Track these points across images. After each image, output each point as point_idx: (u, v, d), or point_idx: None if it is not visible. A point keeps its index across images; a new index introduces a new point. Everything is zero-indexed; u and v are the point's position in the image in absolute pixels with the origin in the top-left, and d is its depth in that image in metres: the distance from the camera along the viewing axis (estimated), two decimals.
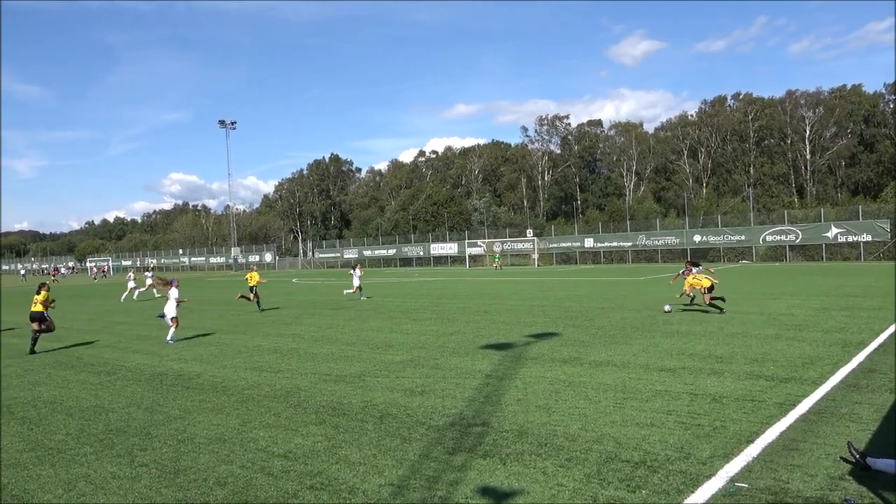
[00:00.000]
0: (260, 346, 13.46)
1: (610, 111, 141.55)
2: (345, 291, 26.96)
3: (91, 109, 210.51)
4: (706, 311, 16.22)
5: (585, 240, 59.77)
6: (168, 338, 14.55)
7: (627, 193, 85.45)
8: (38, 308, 14.15)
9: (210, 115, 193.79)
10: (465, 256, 65.34)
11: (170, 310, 14.52)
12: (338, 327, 16.18)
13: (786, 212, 51.78)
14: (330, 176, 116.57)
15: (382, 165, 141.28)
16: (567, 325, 14.78)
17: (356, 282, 25.20)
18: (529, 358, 10.69)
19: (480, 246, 65.99)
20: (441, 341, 12.99)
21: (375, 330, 15.31)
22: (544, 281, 35.05)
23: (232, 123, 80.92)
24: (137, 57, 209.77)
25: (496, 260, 56.03)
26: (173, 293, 14.61)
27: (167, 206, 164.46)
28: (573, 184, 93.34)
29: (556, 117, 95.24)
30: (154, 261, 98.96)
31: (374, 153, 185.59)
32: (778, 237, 49.12)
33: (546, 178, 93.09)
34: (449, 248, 69.07)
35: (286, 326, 16.88)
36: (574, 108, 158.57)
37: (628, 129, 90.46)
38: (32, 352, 13.90)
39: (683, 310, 16.83)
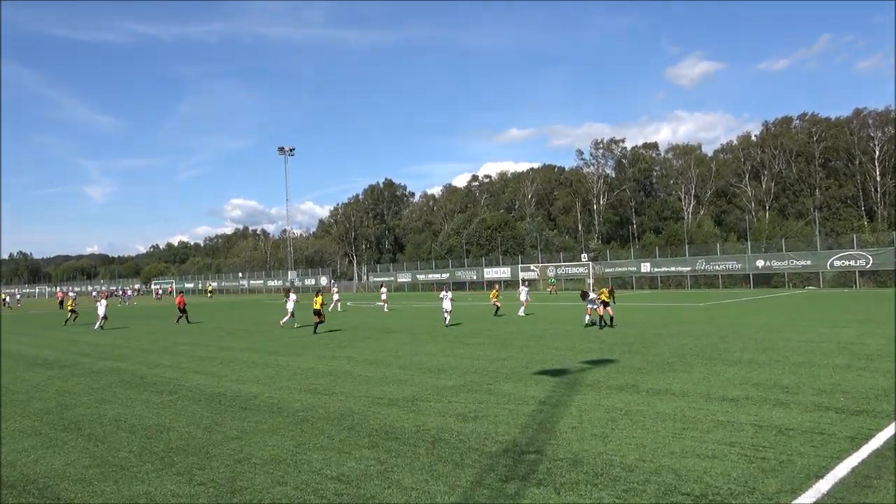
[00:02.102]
0: (315, 368, 13.65)
1: (666, 134, 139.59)
2: (281, 321, 25.95)
3: (160, 139, 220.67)
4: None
5: (642, 264, 58.64)
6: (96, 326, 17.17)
7: (686, 217, 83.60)
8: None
9: (271, 143, 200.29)
10: (518, 280, 64.91)
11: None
12: (391, 350, 16.28)
13: (855, 236, 49.73)
14: (384, 201, 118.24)
15: (436, 190, 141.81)
16: (623, 351, 14.49)
17: (290, 306, 25.27)
18: (585, 385, 10.51)
19: (534, 270, 65.51)
20: (494, 366, 12.91)
21: (429, 354, 15.33)
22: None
23: (291, 150, 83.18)
24: (203, 89, 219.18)
25: (552, 283, 55.47)
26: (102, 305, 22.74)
27: (228, 230, 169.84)
28: (629, 207, 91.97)
29: (612, 140, 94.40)
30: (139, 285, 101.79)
31: (428, 178, 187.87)
32: (847, 262, 47.12)
33: (601, 202, 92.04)
34: (502, 272, 68.82)
35: (340, 349, 17.07)
36: (630, 130, 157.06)
37: (686, 152, 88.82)
38: None
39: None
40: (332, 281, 75.09)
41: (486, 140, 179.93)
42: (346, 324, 26.21)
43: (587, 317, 21.07)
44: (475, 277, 71.32)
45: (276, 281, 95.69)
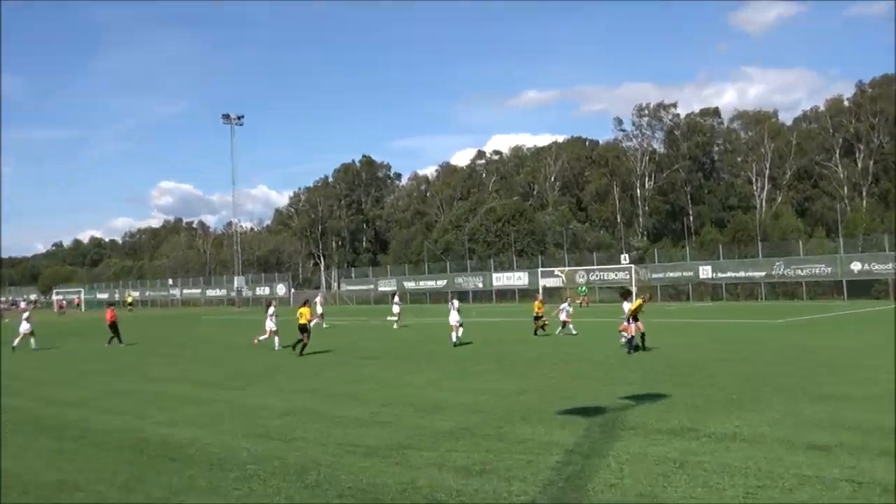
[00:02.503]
0: (269, 405, 13.59)
1: (732, 97, 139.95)
2: (257, 339, 26.51)
3: (68, 102, 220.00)
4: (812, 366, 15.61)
5: (700, 268, 58.72)
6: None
7: (758, 205, 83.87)
8: None
9: (213, 109, 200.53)
10: (538, 289, 64.99)
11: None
12: (369, 381, 16.23)
13: None
14: (362, 184, 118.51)
15: (430, 171, 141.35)
16: (676, 382, 14.47)
17: (270, 325, 25.65)
18: (626, 427, 10.46)
19: (559, 275, 65.58)
20: (507, 402, 12.86)
21: (419, 386, 15.28)
22: (646, 322, 34.43)
23: (239, 118, 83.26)
24: (127, 39, 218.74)
25: (581, 294, 55.59)
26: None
27: (155, 223, 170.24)
28: (683, 193, 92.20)
29: (660, 106, 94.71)
30: (136, 293, 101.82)
31: (418, 155, 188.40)
32: None
33: (647, 186, 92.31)
34: (517, 279, 68.90)
35: (303, 380, 17.01)
36: (683, 93, 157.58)
37: (758, 120, 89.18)
38: None
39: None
40: (322, 291, 75.17)
41: (494, 105, 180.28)
42: (316, 344, 26.19)
43: (624, 335, 21.05)
44: (481, 285, 71.41)
45: (218, 290, 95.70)
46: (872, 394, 12.48)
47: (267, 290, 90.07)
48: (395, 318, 36.55)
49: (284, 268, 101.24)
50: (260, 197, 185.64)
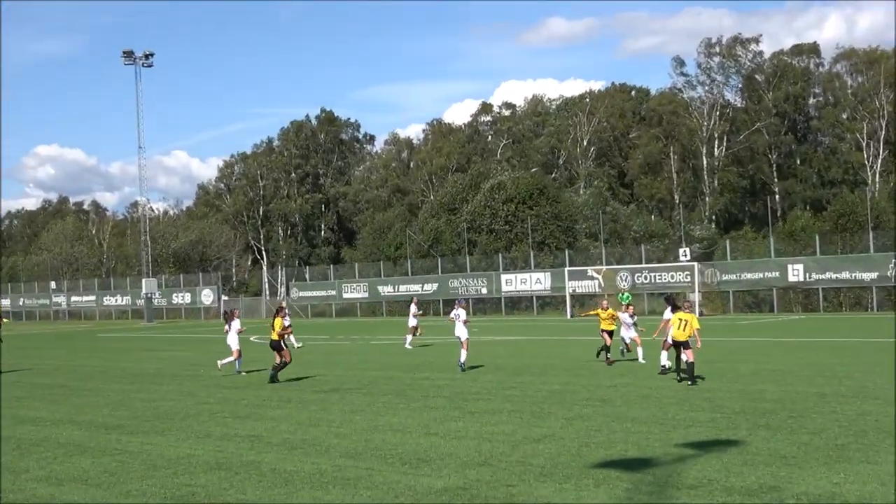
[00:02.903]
0: (192, 456, 13.63)
1: (835, 28, 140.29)
2: (220, 362, 27.57)
3: None
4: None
5: (790, 266, 58.93)
6: None
7: (869, 181, 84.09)
8: None
9: (111, 45, 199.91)
10: (565, 296, 65.18)
11: None
12: (331, 424, 16.30)
13: None
14: (319, 151, 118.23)
15: (414, 131, 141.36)
16: (755, 424, 14.60)
17: (233, 341, 27.02)
18: (684, 486, 10.56)
19: (595, 277, 65.74)
20: (520, 452, 12.95)
21: (399, 430, 15.37)
22: (712, 342, 34.62)
23: (147, 57, 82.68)
24: None
25: (624, 301, 55.71)
26: None
27: (29, 203, 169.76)
28: (766, 163, 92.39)
29: (737, 40, 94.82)
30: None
31: (398, 109, 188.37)
32: None
33: (716, 154, 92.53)
34: (535, 282, 69.03)
35: (239, 421, 17.08)
36: (769, 23, 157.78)
37: (872, 60, 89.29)
38: None
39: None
40: (285, 295, 75.13)
41: (505, 40, 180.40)
42: (243, 378, 26.13)
43: (664, 356, 21.99)
44: (485, 291, 71.59)
45: (120, 297, 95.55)
46: None
47: (187, 297, 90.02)
48: (413, 333, 36.98)
49: (212, 266, 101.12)
50: (177, 168, 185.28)
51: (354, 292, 79.80)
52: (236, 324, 27.56)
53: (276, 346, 23.95)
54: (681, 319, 21.28)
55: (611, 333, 26.55)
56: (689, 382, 20.25)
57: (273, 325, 24.25)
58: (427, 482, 11.29)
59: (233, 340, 27.29)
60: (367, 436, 14.87)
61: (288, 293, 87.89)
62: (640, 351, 26.39)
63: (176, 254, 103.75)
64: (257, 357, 29.78)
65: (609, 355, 26.14)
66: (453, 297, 71.29)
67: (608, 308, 27.40)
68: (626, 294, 57.36)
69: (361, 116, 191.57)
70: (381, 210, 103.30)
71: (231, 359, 27.22)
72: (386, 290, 77.69)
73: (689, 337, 20.88)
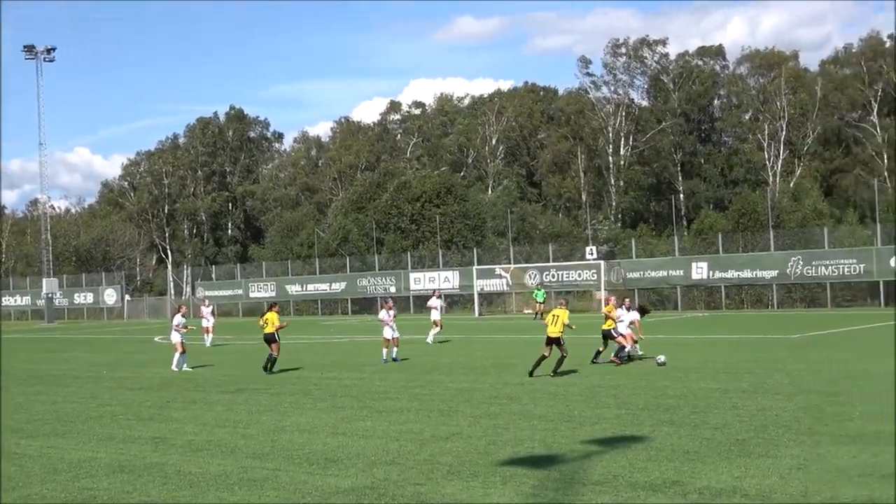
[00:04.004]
0: (94, 459, 13.40)
1: (739, 31, 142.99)
2: (174, 365, 27.65)
3: None
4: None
5: (694, 265, 59.89)
6: None
7: (770, 180, 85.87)
8: None
9: (11, 41, 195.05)
10: (473, 295, 65.36)
11: None
12: (237, 425, 16.18)
13: None
14: (227, 148, 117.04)
15: (323, 129, 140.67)
16: (659, 420, 14.81)
17: (177, 337, 27.60)
18: (590, 482, 10.65)
19: (503, 275, 66.06)
20: (427, 451, 12.97)
21: (306, 430, 15.30)
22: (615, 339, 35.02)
23: (48, 52, 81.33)
24: None
25: (539, 299, 56.13)
26: None
27: None
28: (671, 163, 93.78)
29: (643, 42, 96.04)
30: None
31: (307, 107, 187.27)
32: None
33: (622, 153, 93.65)
34: (444, 280, 69.08)
35: (142, 423, 16.86)
36: (674, 24, 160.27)
37: (772, 63, 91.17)
38: None
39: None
40: (203, 294, 73.79)
41: (415, 39, 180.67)
42: (150, 377, 25.82)
43: (627, 347, 23.04)
44: (393, 290, 71.39)
45: (19, 297, 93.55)
46: None
47: (90, 297, 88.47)
48: (434, 330, 36.79)
49: (115, 265, 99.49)
50: (80, 165, 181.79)
51: (262, 291, 79.08)
52: (179, 319, 28.21)
53: (269, 340, 25.65)
54: (554, 315, 22.01)
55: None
56: (552, 374, 21.56)
57: (267, 320, 26.08)
58: (334, 482, 11.25)
59: (175, 336, 27.79)
60: (273, 436, 14.77)
61: (193, 293, 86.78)
62: (638, 348, 26.19)
63: (78, 253, 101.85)
64: (159, 357, 29.33)
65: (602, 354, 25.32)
66: (362, 296, 71.26)
67: (612, 302, 26.26)
68: (541, 291, 58.07)
69: (270, 114, 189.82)
70: (290, 208, 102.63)
71: (178, 356, 27.60)
72: (294, 289, 77.21)
73: (562, 332, 21.73)
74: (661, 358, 23.56)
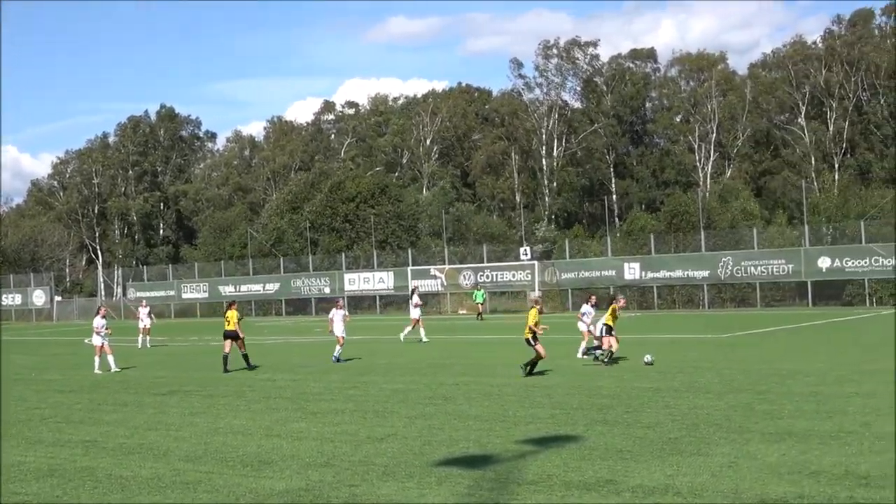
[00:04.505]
0: (23, 463, 13.20)
1: (670, 34, 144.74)
2: (102, 366, 27.48)
3: None
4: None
5: (626, 265, 60.47)
6: None
7: (701, 181, 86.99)
8: None
9: None
10: (407, 296, 65.28)
11: None
12: (169, 427, 16.02)
13: None
14: (159, 148, 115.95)
15: (257, 129, 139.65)
16: (592, 420, 14.92)
17: (97, 339, 27.37)
18: (524, 482, 10.70)
19: (437, 276, 66.14)
20: (362, 452, 12.95)
21: (240, 432, 15.19)
22: (553, 341, 35.22)
23: None
24: None
25: (478, 300, 56.30)
26: None
27: None
28: (604, 164, 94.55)
29: (575, 44, 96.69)
30: None
31: (240, 106, 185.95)
32: None
33: (556, 154, 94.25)
34: (378, 281, 69.07)
35: (72, 426, 16.62)
36: (605, 27, 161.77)
37: (702, 66, 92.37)
38: None
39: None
40: (134, 296, 72.75)
41: (349, 38, 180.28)
42: (80, 379, 25.49)
43: (599, 351, 23.57)
44: (327, 290, 71.29)
45: None
46: (842, 429, 13.20)
47: (18, 298, 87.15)
48: (414, 327, 36.37)
49: (44, 266, 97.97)
50: (7, 163, 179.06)
51: (194, 292, 78.48)
52: (99, 321, 27.74)
53: (231, 336, 26.17)
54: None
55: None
56: (526, 372, 21.47)
57: (228, 318, 26.65)
58: (268, 484, 11.20)
59: (96, 338, 27.50)
60: (206, 438, 14.65)
61: (125, 294, 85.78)
62: (583, 345, 26.12)
63: (5, 253, 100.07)
64: (90, 360, 28.90)
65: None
66: (296, 296, 71.00)
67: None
68: (481, 292, 58.24)
69: (203, 113, 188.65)
70: (223, 209, 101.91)
71: (99, 359, 27.42)
72: (227, 289, 76.59)
73: (528, 334, 21.83)
74: (648, 357, 23.69)
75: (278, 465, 12.32)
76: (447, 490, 10.47)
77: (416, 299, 37.72)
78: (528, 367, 21.65)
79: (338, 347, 27.85)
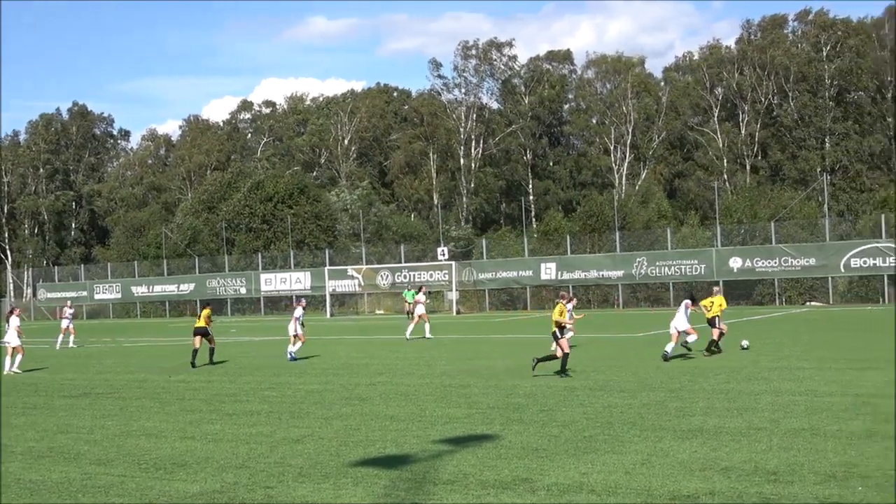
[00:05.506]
0: None
1: (587, 37, 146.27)
2: (7, 367, 27.67)
3: None
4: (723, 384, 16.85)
5: (542, 265, 60.93)
6: None
7: (616, 183, 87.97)
8: None
9: None
10: (325, 296, 65.13)
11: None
12: (80, 430, 15.76)
13: (882, 217, 54.59)
14: (71, 146, 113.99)
15: (171, 127, 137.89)
16: (508, 419, 15.00)
17: (13, 339, 27.59)
18: (441, 482, 10.73)
19: (355, 276, 66.00)
20: (278, 453, 12.88)
21: (153, 434, 15.02)
22: (470, 340, 35.39)
23: None
24: None
25: (408, 299, 56.43)
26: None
27: None
28: (521, 166, 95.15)
29: (493, 44, 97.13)
30: None
31: (155, 104, 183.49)
32: (870, 261, 51.82)
33: (473, 155, 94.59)
34: (296, 281, 68.73)
35: None
36: (524, 29, 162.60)
37: (619, 69, 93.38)
38: None
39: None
40: (43, 296, 71.33)
41: (265, 38, 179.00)
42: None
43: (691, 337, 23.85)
44: (244, 291, 70.81)
45: None
46: (752, 426, 13.50)
47: None
48: (413, 320, 36.61)
49: None
50: None
51: (107, 293, 77.33)
52: (13, 321, 27.88)
53: (202, 332, 27.12)
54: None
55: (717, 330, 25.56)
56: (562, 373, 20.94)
57: (200, 315, 28.04)
58: (182, 487, 11.07)
59: (11, 338, 27.77)
60: (119, 441, 14.44)
61: (35, 294, 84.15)
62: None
63: None
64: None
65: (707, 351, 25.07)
66: (211, 297, 70.25)
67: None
68: (412, 291, 58.14)
69: (116, 111, 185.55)
70: (137, 208, 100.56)
71: (8, 361, 27.63)
72: (140, 290, 75.67)
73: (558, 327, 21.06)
74: (745, 342, 25.78)
75: (192, 467, 12.19)
76: (363, 490, 10.46)
77: (421, 297, 37.74)
78: (539, 361, 21.12)
79: (298, 344, 28.18)
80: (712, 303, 25.78)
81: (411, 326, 36.14)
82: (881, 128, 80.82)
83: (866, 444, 11.96)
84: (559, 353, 20.94)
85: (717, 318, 25.57)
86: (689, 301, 24.82)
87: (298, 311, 28.79)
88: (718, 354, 24.40)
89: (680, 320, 24.16)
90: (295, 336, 28.15)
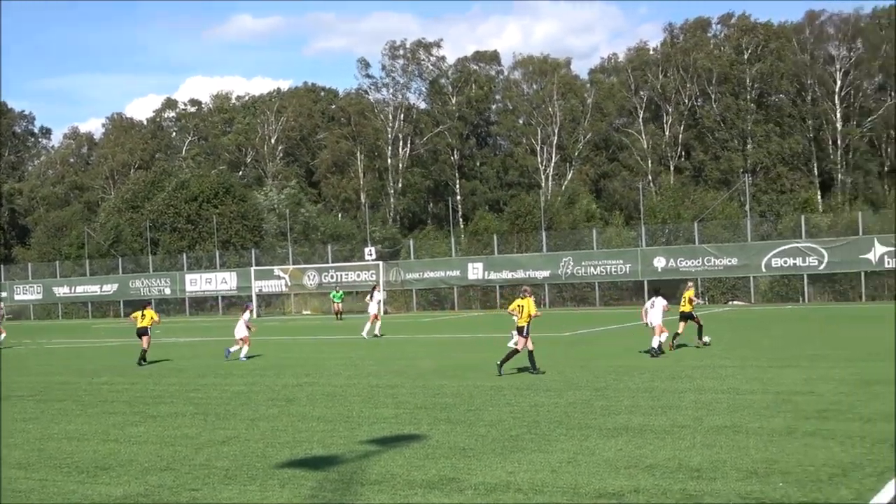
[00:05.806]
0: None
1: (514, 37, 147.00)
2: None
3: None
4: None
5: (470, 265, 61.14)
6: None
7: (543, 184, 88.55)
8: None
9: None
10: (251, 296, 64.69)
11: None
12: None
13: (802, 217, 55.73)
14: None
15: (94, 126, 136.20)
16: (436, 419, 15.05)
17: None
18: (368, 482, 10.73)
19: (282, 276, 65.64)
20: (203, 455, 12.77)
21: (75, 437, 14.80)
22: (398, 341, 35.40)
23: None
24: None
25: (336, 300, 56.19)
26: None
27: None
28: (449, 166, 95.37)
29: (421, 45, 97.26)
30: None
31: (77, 102, 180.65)
32: (790, 260, 52.84)
33: (401, 155, 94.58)
34: (221, 282, 68.18)
35: None
36: (452, 29, 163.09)
37: (545, 70, 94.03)
38: None
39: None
40: None
41: (191, 36, 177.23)
42: None
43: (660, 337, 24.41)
44: (168, 291, 70.08)
45: None
46: (676, 423, 13.69)
47: None
48: (371, 324, 36.46)
49: None
50: None
51: (27, 294, 75.99)
52: None
53: (145, 333, 27.31)
54: (518, 305, 21.55)
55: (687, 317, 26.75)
56: (532, 370, 20.99)
57: (144, 315, 27.78)
58: (105, 490, 10.92)
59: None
60: (40, 445, 14.19)
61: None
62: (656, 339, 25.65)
63: None
64: None
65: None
66: (134, 297, 69.33)
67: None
68: (339, 292, 58.02)
69: (37, 108, 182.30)
70: (58, 207, 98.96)
71: None
72: (62, 291, 74.48)
73: (527, 322, 21.35)
74: (707, 339, 26.46)
75: (116, 470, 12.04)
76: (290, 492, 10.42)
77: (376, 295, 38.42)
78: (504, 362, 21.11)
79: (245, 347, 28.06)
80: (688, 298, 26.62)
81: (368, 325, 36.40)
82: (801, 129, 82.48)
83: (786, 440, 12.20)
84: (519, 348, 21.14)
85: (692, 312, 26.68)
86: (666, 303, 25.76)
87: (247, 315, 28.87)
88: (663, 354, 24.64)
89: (655, 316, 24.80)
90: (241, 339, 28.00)
